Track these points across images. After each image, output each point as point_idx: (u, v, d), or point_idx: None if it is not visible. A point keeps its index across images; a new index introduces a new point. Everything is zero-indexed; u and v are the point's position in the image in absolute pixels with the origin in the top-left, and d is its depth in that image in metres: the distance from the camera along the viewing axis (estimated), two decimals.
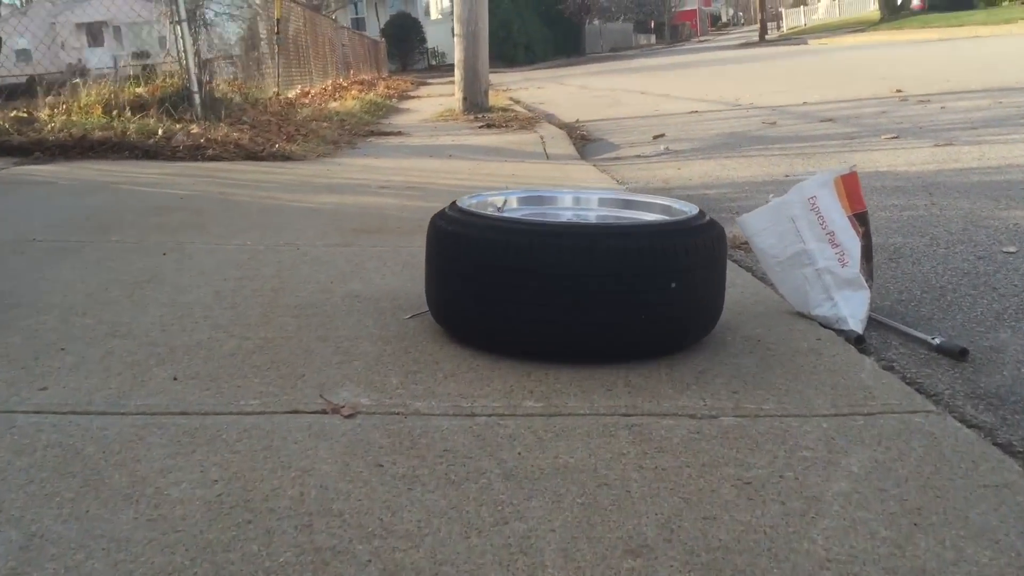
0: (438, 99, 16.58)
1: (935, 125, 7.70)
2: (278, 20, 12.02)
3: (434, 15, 56.48)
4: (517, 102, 15.45)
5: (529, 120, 10.82)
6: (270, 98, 11.45)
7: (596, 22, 71.08)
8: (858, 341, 2.81)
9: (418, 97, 19.03)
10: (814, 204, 3.00)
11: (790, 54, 28.99)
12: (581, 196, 3.05)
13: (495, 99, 14.74)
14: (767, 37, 58.75)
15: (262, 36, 13.39)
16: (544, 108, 13.98)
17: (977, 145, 6.36)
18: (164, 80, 9.39)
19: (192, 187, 5.77)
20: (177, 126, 8.02)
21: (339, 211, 4.98)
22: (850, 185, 3.00)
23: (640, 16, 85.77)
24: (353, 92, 15.76)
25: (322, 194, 5.56)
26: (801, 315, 3.04)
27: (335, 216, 4.81)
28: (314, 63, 16.36)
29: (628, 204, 2.98)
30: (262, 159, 7.37)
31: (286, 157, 7.51)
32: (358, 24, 48.50)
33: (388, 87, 20.66)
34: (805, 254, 3.01)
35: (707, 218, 2.67)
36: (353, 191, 5.76)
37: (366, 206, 5.19)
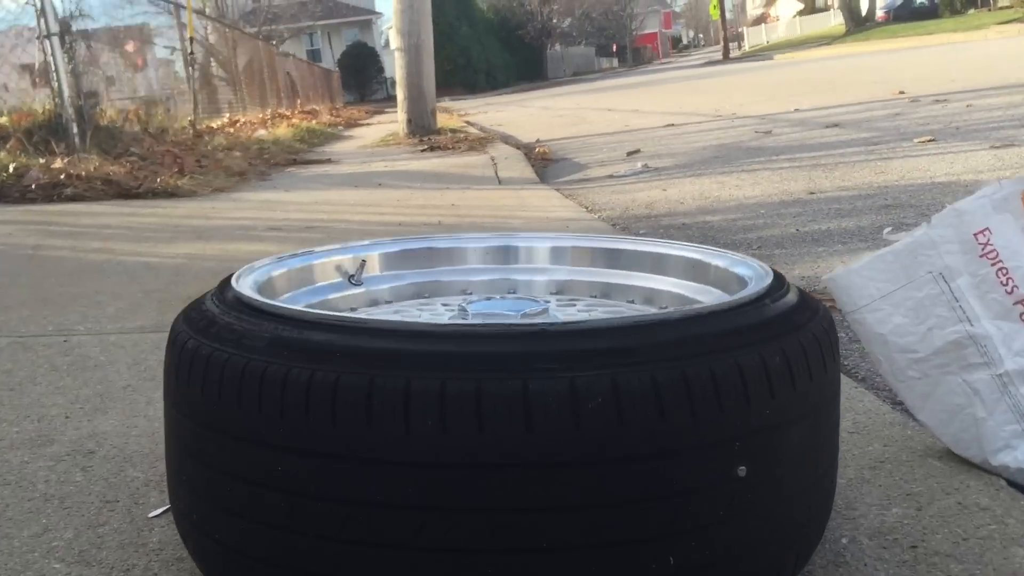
0: (388, 125, 15.09)
1: (973, 125, 6.31)
2: (191, 39, 10.47)
3: (394, 44, 55.27)
4: (472, 124, 13.97)
5: (480, 140, 9.31)
6: (184, 127, 9.88)
7: (557, 47, 70.24)
8: None
9: (368, 124, 17.51)
10: (986, 244, 1.49)
11: (759, 68, 27.83)
12: (521, 245, 1.50)
13: (448, 121, 13.26)
14: (731, 55, 58.01)
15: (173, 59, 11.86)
16: (502, 129, 12.49)
17: None
18: (35, 108, 7.82)
19: (3, 239, 4.20)
20: (40, 160, 6.43)
21: (185, 269, 3.42)
22: None
23: (601, 40, 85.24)
24: (293, 121, 14.22)
25: (181, 242, 4.01)
26: (968, 465, 1.52)
27: (174, 277, 3.26)
28: (247, 91, 14.81)
29: (612, 259, 1.44)
30: (137, 197, 5.81)
31: (170, 194, 5.94)
32: (314, 56, 47.00)
33: (336, 115, 19.15)
34: (972, 343, 1.49)
35: (793, 292, 1.16)
36: (228, 236, 4.20)
37: (231, 258, 3.63)
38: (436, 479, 0.93)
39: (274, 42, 27.36)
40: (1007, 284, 1.47)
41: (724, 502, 0.98)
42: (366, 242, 1.48)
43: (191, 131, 9.53)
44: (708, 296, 1.32)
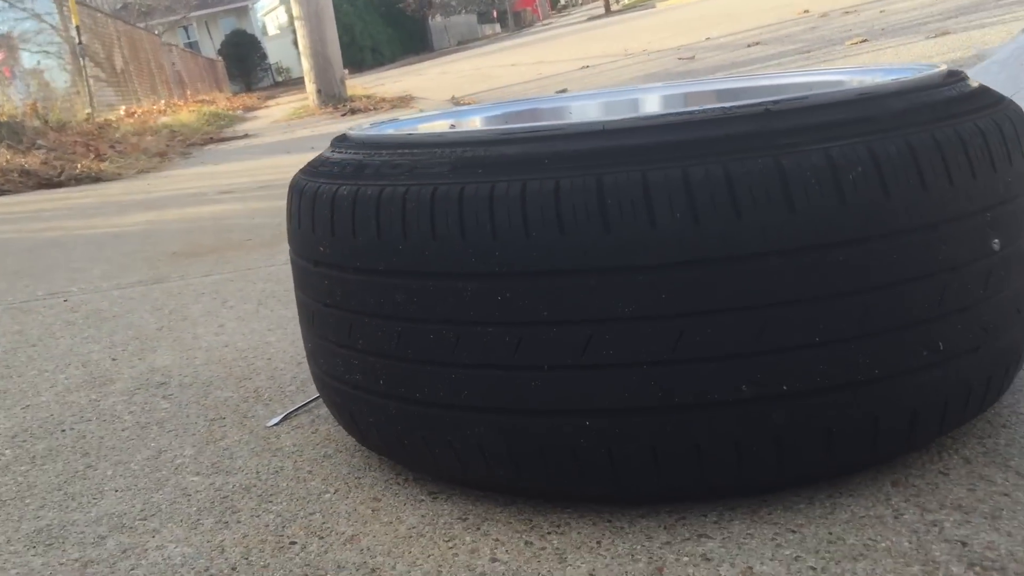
0: (288, 105, 14.63)
1: (898, 24, 6.38)
2: (77, 28, 9.90)
3: (272, 31, 53.77)
4: (378, 93, 13.66)
5: (402, 99, 9.09)
6: (85, 120, 9.38)
7: (439, 18, 69.45)
8: None
9: (267, 107, 16.98)
10: None
11: (647, 15, 27.95)
12: (632, 97, 1.38)
13: (355, 93, 12.94)
14: (612, 9, 58.22)
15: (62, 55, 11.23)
16: (411, 95, 12.25)
17: (980, 29, 5.02)
18: None
19: None
20: None
21: (153, 232, 3.20)
22: None
23: (482, 7, 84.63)
24: (191, 107, 13.68)
25: (133, 214, 3.76)
26: None
27: (146, 240, 3.03)
28: (138, 82, 14.18)
29: (736, 97, 1.33)
30: (60, 185, 5.47)
31: (95, 178, 5.61)
32: (192, 48, 45.45)
33: (232, 102, 18.53)
34: None
35: (971, 80, 1.07)
36: (180, 204, 3.96)
37: (197, 219, 3.41)
38: (689, 278, 0.82)
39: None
40: None
41: (983, 278, 0.90)
42: (465, 108, 1.34)
43: (92, 122, 9.05)
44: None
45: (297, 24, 10.45)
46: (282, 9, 52.09)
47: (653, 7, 41.46)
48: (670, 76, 6.68)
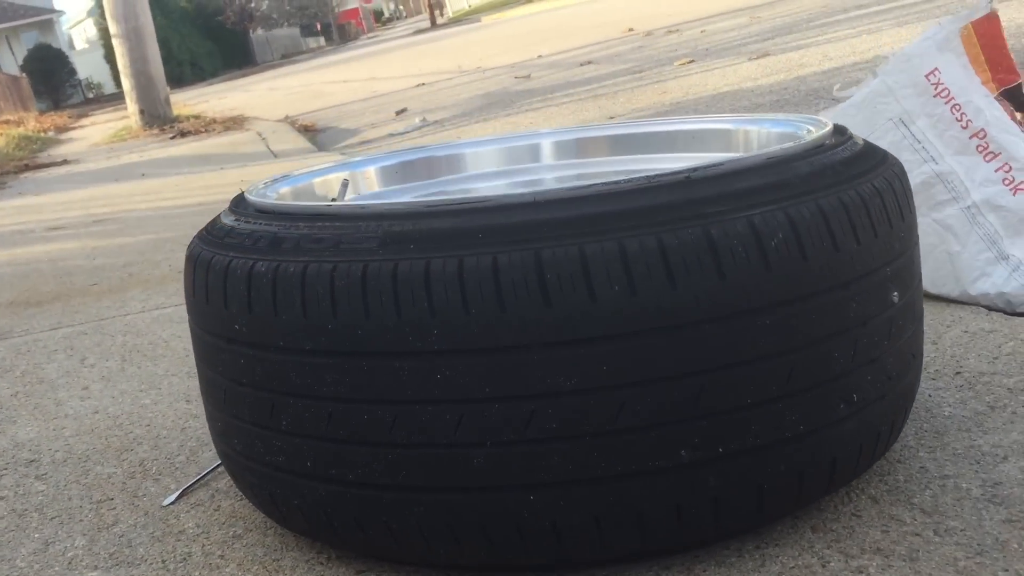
0: (106, 125, 13.90)
1: (719, 45, 6.71)
2: None
3: (80, 45, 51.02)
4: (205, 113, 13.18)
5: (234, 120, 8.80)
6: None
7: (260, 31, 67.80)
8: None
9: (81, 127, 16.07)
10: (937, 84, 1.55)
11: (474, 30, 28.27)
12: (523, 143, 1.39)
13: (181, 111, 12.44)
14: (438, 22, 58.54)
15: None
16: (239, 114, 11.88)
17: (797, 51, 5.35)
18: None
19: None
20: None
21: None
22: (988, 38, 1.58)
23: (304, 20, 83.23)
24: None
25: None
26: (946, 301, 1.59)
27: None
28: None
29: (628, 144, 1.36)
30: None
31: None
32: None
33: (42, 122, 17.44)
34: (939, 181, 1.56)
35: (854, 139, 1.14)
36: (4, 243, 3.70)
37: (30, 260, 3.19)
38: (633, 349, 0.83)
39: None
40: (961, 120, 1.54)
41: (887, 329, 0.95)
42: (358, 158, 1.32)
43: None
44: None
45: (115, 42, 9.95)
46: (90, 22, 49.47)
47: (479, 21, 41.97)
48: (509, 95, 6.77)
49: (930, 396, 1.25)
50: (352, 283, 0.86)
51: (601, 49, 8.86)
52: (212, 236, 1.03)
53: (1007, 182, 1.54)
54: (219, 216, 1.09)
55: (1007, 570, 0.86)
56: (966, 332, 1.45)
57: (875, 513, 0.98)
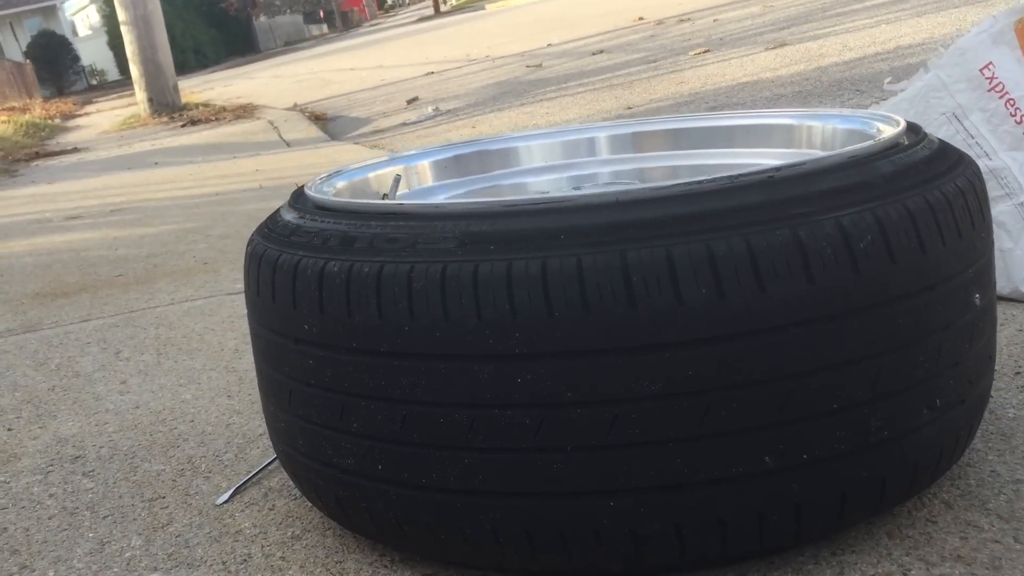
0: (112, 112, 13.86)
1: (734, 35, 6.67)
2: None
3: (83, 31, 50.87)
4: (213, 100, 13.14)
5: (244, 109, 8.77)
6: None
7: (263, 18, 67.61)
8: None
9: (87, 114, 16.03)
10: (992, 78, 1.53)
11: (479, 17, 28.16)
12: (579, 137, 1.37)
13: (188, 99, 12.41)
14: (441, 9, 58.31)
15: None
16: (247, 102, 11.84)
17: (815, 41, 5.31)
18: None
19: None
20: None
21: (2, 268, 2.95)
22: None
23: (307, 7, 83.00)
24: (1, 116, 12.73)
25: None
26: (1000, 299, 1.57)
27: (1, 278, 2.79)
28: None
29: (687, 138, 1.34)
30: None
31: None
32: None
33: (47, 109, 17.41)
34: (992, 177, 1.54)
35: (930, 137, 1.12)
36: (24, 233, 3.68)
37: (52, 250, 3.17)
38: (719, 353, 0.81)
39: None
40: (1016, 115, 1.52)
41: (968, 333, 0.93)
42: (410, 152, 1.30)
43: None
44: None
45: (124, 29, 9.91)
46: (93, 8, 49.38)
47: (483, 8, 41.79)
48: (521, 84, 6.74)
49: (992, 398, 1.23)
50: (431, 284, 0.84)
51: (612, 38, 8.81)
52: (275, 233, 1.01)
53: None
54: (278, 212, 1.07)
55: None
56: (1021, 331, 1.43)
57: (951, 519, 0.97)
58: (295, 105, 9.31)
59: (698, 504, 0.84)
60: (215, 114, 8.47)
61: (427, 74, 9.76)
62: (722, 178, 0.88)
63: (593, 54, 7.67)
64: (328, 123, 7.23)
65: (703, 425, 0.82)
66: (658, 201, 0.85)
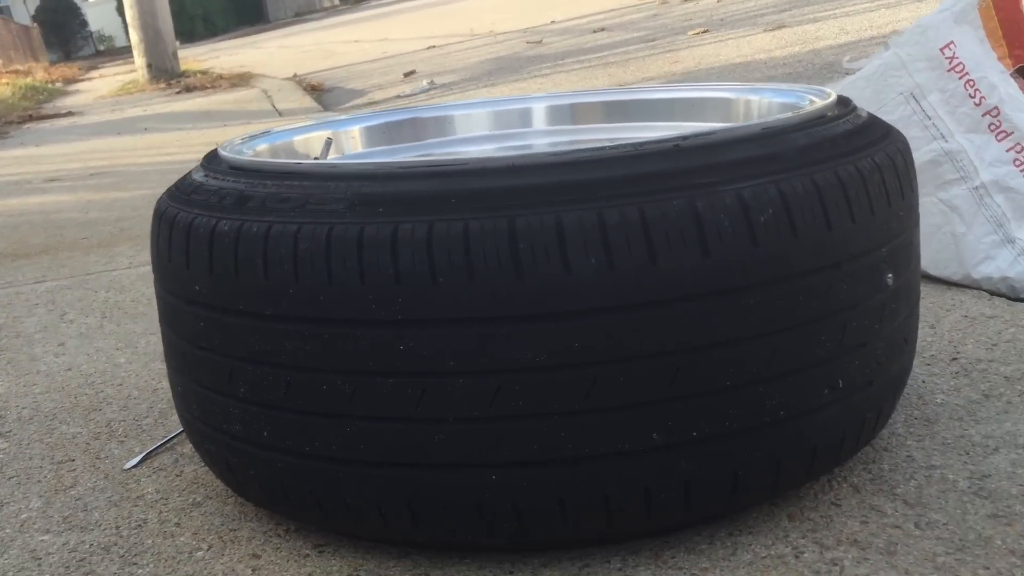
0: (114, 78, 13.79)
1: (736, 15, 6.58)
2: None
3: None
4: (214, 68, 13.07)
5: (241, 77, 8.72)
6: None
7: None
8: None
9: (90, 79, 15.96)
10: (952, 58, 1.49)
11: None
12: (514, 107, 1.34)
13: (189, 66, 12.33)
14: None
15: None
16: (248, 71, 11.77)
17: (814, 23, 5.24)
18: None
19: None
20: None
21: None
22: (1006, 12, 1.52)
23: None
24: (4, 79, 12.69)
25: None
26: (947, 284, 1.54)
27: None
28: None
29: (624, 111, 1.31)
30: None
31: None
32: (3, 13, 42.19)
33: (51, 73, 17.34)
34: (948, 160, 1.50)
35: (857, 112, 1.08)
36: (1, 193, 3.65)
37: (23, 212, 3.15)
38: (607, 325, 0.79)
39: None
40: (975, 96, 1.48)
41: (878, 313, 0.91)
42: (342, 117, 1.27)
43: None
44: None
45: None
46: None
47: None
48: (519, 60, 6.68)
49: (924, 382, 1.21)
50: (316, 246, 0.81)
51: (615, 16, 8.72)
52: (180, 192, 0.99)
53: (1018, 163, 1.48)
54: (190, 172, 1.05)
55: (988, 568, 0.82)
56: (966, 316, 1.40)
57: (856, 503, 0.94)
58: (295, 75, 9.24)
59: (582, 480, 0.82)
60: (211, 82, 8.42)
61: (428, 48, 9.68)
62: (626, 145, 0.85)
63: (594, 31, 7.59)
64: (324, 94, 7.18)
65: (589, 399, 0.80)
66: (553, 167, 0.82)
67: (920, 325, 1.39)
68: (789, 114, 0.94)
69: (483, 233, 0.78)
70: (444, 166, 0.83)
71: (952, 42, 1.48)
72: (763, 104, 1.20)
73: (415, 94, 5.97)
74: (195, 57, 19.21)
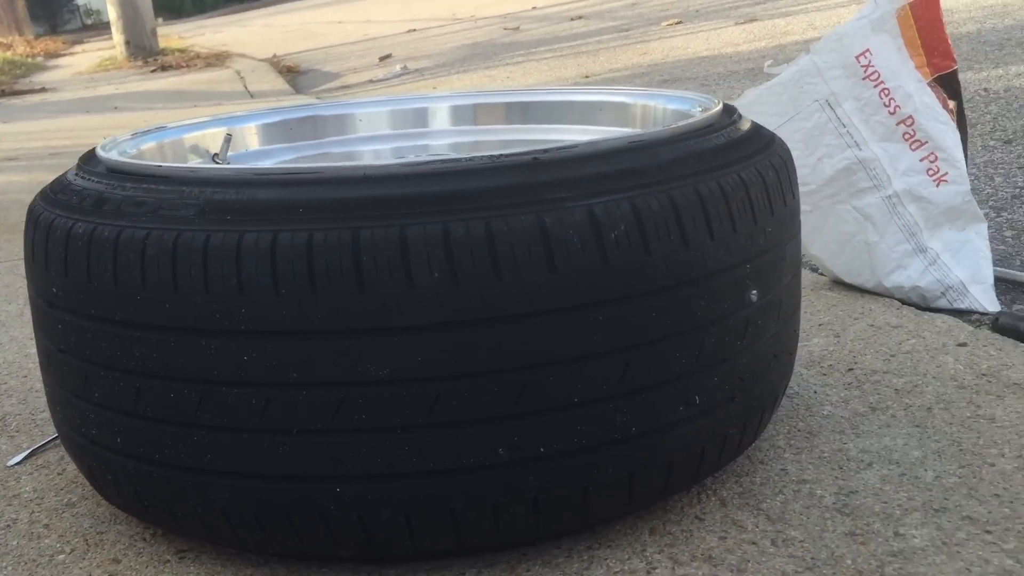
0: (96, 53, 13.65)
1: (711, 6, 6.57)
2: None
3: None
4: (196, 46, 12.97)
5: (217, 57, 8.65)
6: None
7: None
8: (1012, 330, 1.37)
9: (72, 54, 15.80)
10: (868, 66, 1.49)
11: None
12: (415, 107, 1.33)
13: (171, 44, 12.23)
14: None
15: None
16: (229, 49, 11.68)
17: (784, 18, 5.24)
18: None
19: None
20: None
21: None
22: (925, 21, 1.51)
23: None
24: None
25: None
26: (860, 291, 1.55)
27: None
28: None
29: (524, 112, 1.31)
30: None
31: None
32: None
33: (32, 47, 17.15)
34: (861, 168, 1.50)
35: (745, 119, 1.08)
36: None
37: None
38: (450, 340, 0.78)
39: None
40: (889, 105, 1.48)
41: (741, 330, 0.91)
42: (239, 113, 1.26)
43: None
44: None
45: None
46: None
47: None
48: (494, 47, 6.65)
49: (815, 393, 1.21)
50: (163, 252, 0.80)
51: (595, 4, 8.69)
52: (51, 191, 0.98)
53: (931, 172, 1.49)
54: (67, 171, 1.04)
55: None
56: (872, 326, 1.40)
57: (719, 517, 0.94)
58: (274, 56, 9.18)
59: (428, 494, 0.82)
60: (188, 61, 8.36)
61: (409, 31, 9.63)
62: (484, 157, 0.84)
63: (572, 19, 7.57)
64: (298, 76, 7.14)
65: (433, 414, 0.80)
66: (404, 178, 0.81)
67: (825, 334, 1.40)
68: (659, 128, 0.93)
69: (326, 244, 0.78)
70: (295, 174, 0.83)
71: (868, 50, 1.48)
72: (658, 110, 1.20)
73: (388, 79, 5.95)
74: (180, 34, 19.03)
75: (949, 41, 1.52)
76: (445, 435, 0.80)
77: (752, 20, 5.36)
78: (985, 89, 2.84)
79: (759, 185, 0.92)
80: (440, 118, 1.31)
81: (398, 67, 6.33)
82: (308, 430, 0.80)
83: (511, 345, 0.79)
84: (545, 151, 0.85)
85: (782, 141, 1.07)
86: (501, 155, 0.84)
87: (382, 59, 7.17)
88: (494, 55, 6.14)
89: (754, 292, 0.91)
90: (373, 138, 1.30)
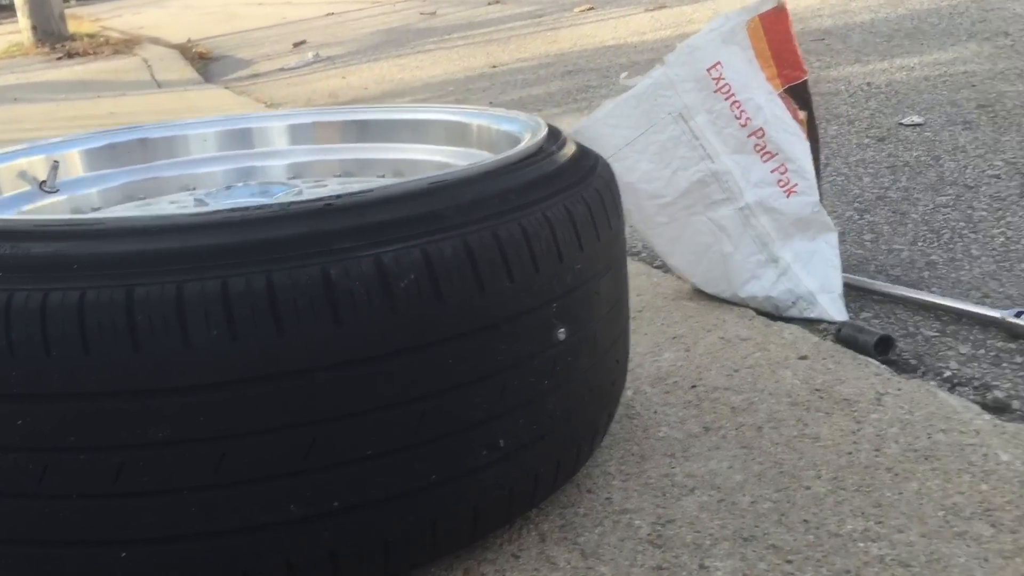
0: (4, 38, 13.20)
1: None
2: None
3: None
4: (110, 30, 12.61)
5: (126, 43, 8.41)
6: None
7: None
8: (852, 342, 1.39)
9: None
10: (719, 79, 1.50)
11: None
12: (252, 126, 1.30)
13: (83, 27, 11.86)
14: None
15: None
16: (145, 32, 11.37)
17: (691, 5, 5.26)
18: None
19: None
20: None
21: None
22: (775, 32, 1.53)
23: None
24: None
25: None
26: (718, 301, 1.57)
27: None
28: None
29: (360, 132, 1.28)
30: None
31: None
32: None
33: None
34: (715, 180, 1.52)
35: (571, 141, 1.08)
36: None
37: None
38: (233, 398, 0.77)
39: None
40: (740, 117, 1.49)
41: (548, 369, 0.91)
42: (57, 139, 1.21)
43: None
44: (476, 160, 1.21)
45: None
46: None
47: None
48: (408, 33, 6.59)
49: (655, 413, 1.22)
50: None
51: None
52: None
53: (782, 184, 1.51)
54: None
55: None
56: (722, 339, 1.42)
57: (535, 554, 0.95)
58: (188, 40, 8.96)
59: (218, 555, 0.80)
60: (96, 47, 8.12)
61: (327, 15, 9.49)
62: (275, 206, 0.82)
63: (488, 4, 7.52)
64: (210, 63, 6.98)
65: (219, 474, 0.78)
66: (183, 230, 0.79)
67: (677, 348, 1.41)
68: (466, 166, 0.92)
69: (99, 303, 0.75)
70: (70, 226, 0.80)
71: (719, 63, 1.49)
72: (491, 131, 1.19)
73: (299, 67, 5.85)
74: (96, 16, 18.47)
75: (799, 52, 1.54)
76: (233, 494, 0.79)
77: (661, 7, 5.38)
78: (868, 83, 2.89)
79: (566, 223, 0.92)
80: (278, 138, 1.28)
81: (311, 54, 6.23)
82: (89, 494, 0.78)
83: (297, 401, 0.78)
84: (339, 196, 0.83)
85: (607, 166, 1.07)
86: (292, 203, 0.82)
87: (296, 45, 7.05)
88: (407, 42, 6.08)
89: (562, 331, 0.91)
90: (206, 160, 1.26)
